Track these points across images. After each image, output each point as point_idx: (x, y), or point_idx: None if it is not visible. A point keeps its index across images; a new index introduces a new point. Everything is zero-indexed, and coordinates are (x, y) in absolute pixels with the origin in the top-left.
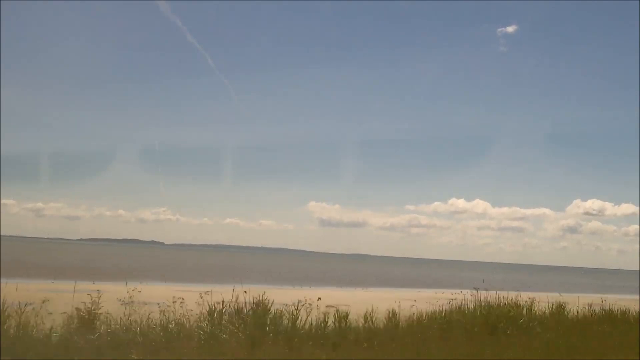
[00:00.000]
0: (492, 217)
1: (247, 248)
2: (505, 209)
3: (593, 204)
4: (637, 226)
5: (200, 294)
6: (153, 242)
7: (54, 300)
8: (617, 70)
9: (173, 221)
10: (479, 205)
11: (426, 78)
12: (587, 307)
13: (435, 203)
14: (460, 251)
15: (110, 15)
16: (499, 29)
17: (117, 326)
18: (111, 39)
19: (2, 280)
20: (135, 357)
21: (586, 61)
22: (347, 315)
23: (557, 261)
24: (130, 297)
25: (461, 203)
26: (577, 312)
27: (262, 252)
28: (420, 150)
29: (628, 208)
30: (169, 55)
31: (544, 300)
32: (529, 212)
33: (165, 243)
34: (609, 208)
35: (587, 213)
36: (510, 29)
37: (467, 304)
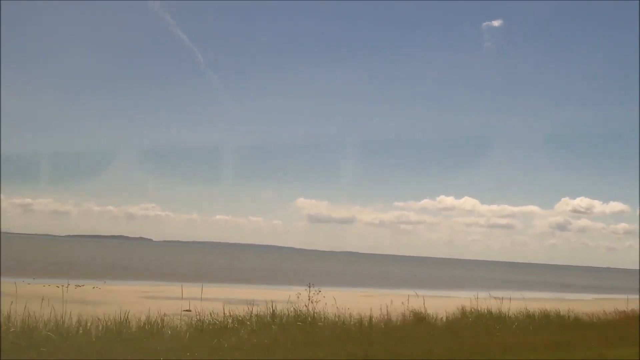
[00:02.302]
0: (481, 214)
1: (236, 245)
2: (494, 207)
3: (581, 201)
4: (626, 224)
5: None
6: (141, 238)
7: None
8: (608, 68)
9: (162, 217)
10: (468, 202)
11: (416, 77)
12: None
13: (424, 200)
14: (449, 248)
15: (106, 16)
16: (484, 24)
17: None
18: (105, 39)
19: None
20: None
21: (576, 58)
22: None
23: (547, 259)
24: None
25: (450, 200)
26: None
27: (248, 250)
28: (408, 148)
29: (616, 206)
30: (162, 55)
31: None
32: (517, 209)
33: (154, 240)
34: (597, 206)
35: (575, 211)
36: (496, 23)
37: None
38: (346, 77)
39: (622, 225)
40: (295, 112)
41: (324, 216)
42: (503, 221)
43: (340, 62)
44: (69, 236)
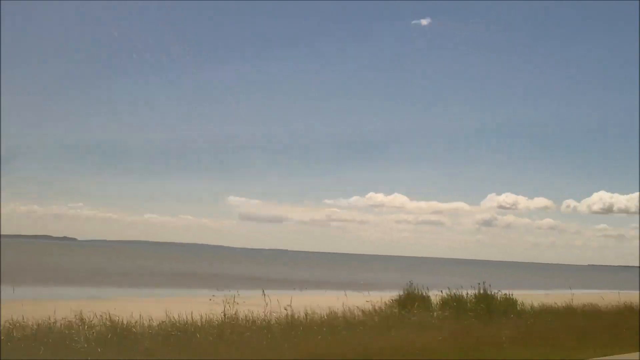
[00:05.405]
0: (410, 211)
1: (164, 244)
2: (422, 203)
3: (507, 197)
4: (551, 219)
5: None
6: (65, 238)
7: None
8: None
9: (90, 217)
10: (397, 199)
11: (341, 74)
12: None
13: (354, 197)
14: (381, 245)
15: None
16: (413, 22)
17: None
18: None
19: None
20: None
21: (520, 53)
22: None
23: (475, 254)
24: None
25: (380, 197)
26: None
27: (175, 249)
28: (335, 145)
29: (540, 202)
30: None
31: None
32: (446, 206)
33: (79, 239)
34: (522, 202)
35: (501, 207)
36: (425, 21)
37: None
38: (254, 74)
39: (547, 221)
40: (216, 109)
41: (255, 214)
42: (432, 217)
43: (250, 59)
44: None
